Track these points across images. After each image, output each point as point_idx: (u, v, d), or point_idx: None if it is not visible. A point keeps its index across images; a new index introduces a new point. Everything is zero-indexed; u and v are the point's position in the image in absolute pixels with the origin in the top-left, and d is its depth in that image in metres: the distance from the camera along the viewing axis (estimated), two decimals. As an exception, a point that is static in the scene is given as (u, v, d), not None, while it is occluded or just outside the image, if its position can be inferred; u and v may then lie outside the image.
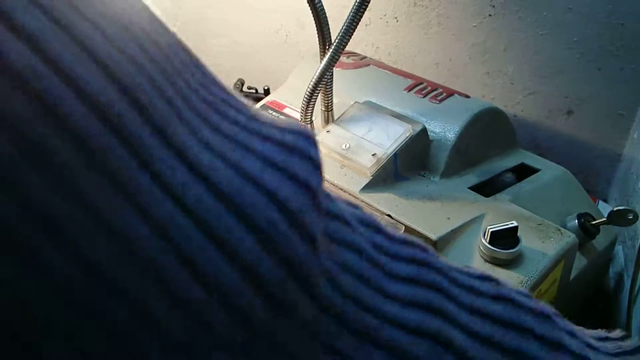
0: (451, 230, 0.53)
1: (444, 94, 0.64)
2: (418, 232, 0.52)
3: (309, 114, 0.62)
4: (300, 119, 0.63)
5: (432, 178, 0.61)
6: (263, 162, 0.19)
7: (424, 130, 0.60)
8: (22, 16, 0.15)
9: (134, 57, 0.17)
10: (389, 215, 0.54)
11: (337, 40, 0.57)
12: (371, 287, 0.22)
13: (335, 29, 0.58)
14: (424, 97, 0.64)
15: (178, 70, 0.19)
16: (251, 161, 0.19)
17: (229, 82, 0.99)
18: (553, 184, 0.62)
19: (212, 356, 0.18)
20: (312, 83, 0.59)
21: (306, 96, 0.60)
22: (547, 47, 0.75)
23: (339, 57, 0.58)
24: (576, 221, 0.57)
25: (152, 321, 0.17)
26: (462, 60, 0.83)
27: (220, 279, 0.17)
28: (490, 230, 0.49)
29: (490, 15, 0.77)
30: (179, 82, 0.19)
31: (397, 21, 0.86)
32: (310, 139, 0.21)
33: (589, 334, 0.28)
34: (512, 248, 0.49)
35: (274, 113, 0.70)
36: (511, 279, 0.48)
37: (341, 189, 0.58)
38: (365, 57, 0.74)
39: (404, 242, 0.25)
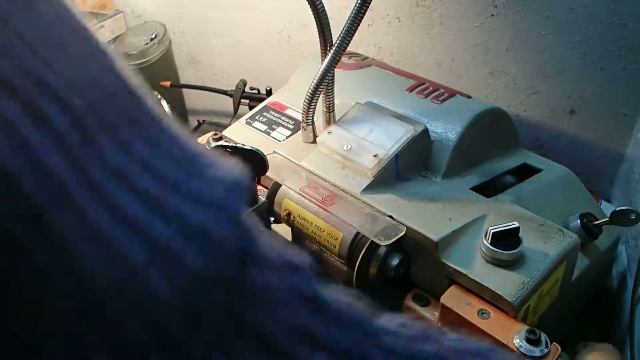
0: (453, 231, 0.52)
1: (446, 94, 0.64)
2: (419, 233, 0.52)
3: (311, 115, 0.62)
4: (301, 120, 0.63)
5: (433, 179, 0.60)
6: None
7: (425, 131, 0.60)
8: None
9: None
10: (390, 217, 0.54)
11: (338, 42, 0.57)
12: None
13: (337, 30, 0.58)
14: (426, 97, 0.64)
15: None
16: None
17: (231, 83, 1.00)
18: (555, 184, 0.62)
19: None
20: (313, 84, 0.59)
21: (307, 97, 0.60)
22: (550, 47, 0.75)
23: (340, 58, 0.58)
24: (579, 221, 0.57)
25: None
26: (464, 61, 0.83)
27: None
28: (492, 231, 0.49)
29: (492, 15, 0.77)
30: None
31: (400, 21, 0.86)
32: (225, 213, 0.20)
33: None
34: (514, 249, 0.49)
35: (275, 114, 0.70)
36: (513, 280, 0.48)
37: (342, 190, 0.58)
38: (366, 58, 0.74)
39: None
